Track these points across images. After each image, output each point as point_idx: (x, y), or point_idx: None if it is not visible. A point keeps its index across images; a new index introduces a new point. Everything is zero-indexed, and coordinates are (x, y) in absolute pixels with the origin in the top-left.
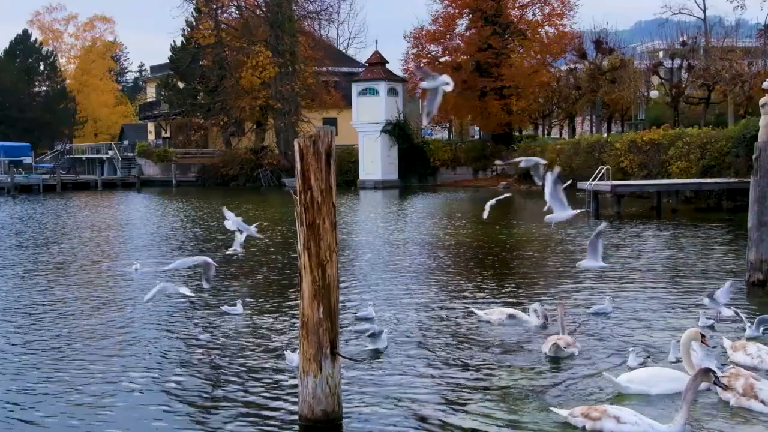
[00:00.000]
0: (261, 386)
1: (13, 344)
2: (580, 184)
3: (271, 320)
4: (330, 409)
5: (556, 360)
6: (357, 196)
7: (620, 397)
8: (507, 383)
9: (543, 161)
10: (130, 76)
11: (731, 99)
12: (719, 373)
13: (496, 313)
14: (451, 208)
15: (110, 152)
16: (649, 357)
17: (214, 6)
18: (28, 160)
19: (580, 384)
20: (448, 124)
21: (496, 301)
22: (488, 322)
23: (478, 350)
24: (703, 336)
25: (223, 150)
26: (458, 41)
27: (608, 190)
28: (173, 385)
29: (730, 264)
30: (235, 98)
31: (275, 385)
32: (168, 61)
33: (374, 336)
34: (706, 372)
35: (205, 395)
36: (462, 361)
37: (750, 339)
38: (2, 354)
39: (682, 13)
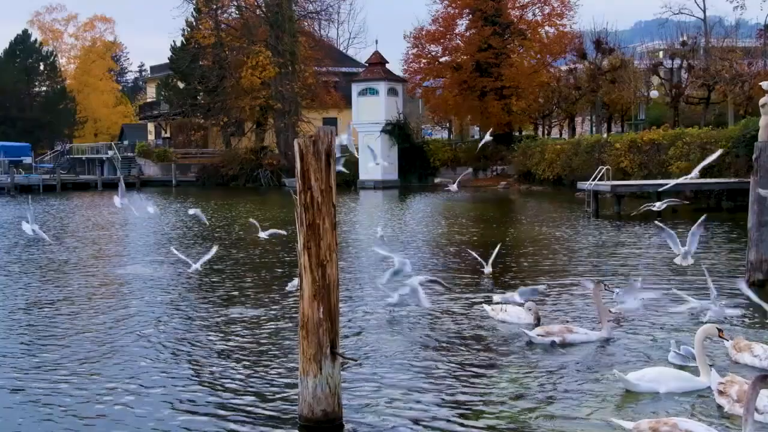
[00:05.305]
0: (261, 386)
1: (15, 342)
2: (580, 184)
3: (271, 320)
4: (330, 409)
5: (560, 357)
6: (357, 196)
7: (630, 395)
8: (508, 382)
9: None
10: (130, 76)
11: (731, 99)
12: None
13: (500, 310)
14: (452, 208)
15: (110, 152)
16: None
17: (214, 6)
18: (28, 160)
19: (588, 382)
20: (448, 124)
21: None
22: (504, 320)
23: (481, 349)
24: (720, 330)
25: (223, 150)
26: (458, 41)
27: (608, 190)
28: (172, 384)
29: (730, 264)
30: (235, 98)
31: (275, 385)
32: (168, 61)
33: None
34: (764, 378)
35: (204, 395)
36: (464, 361)
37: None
38: (3, 352)
39: (682, 13)
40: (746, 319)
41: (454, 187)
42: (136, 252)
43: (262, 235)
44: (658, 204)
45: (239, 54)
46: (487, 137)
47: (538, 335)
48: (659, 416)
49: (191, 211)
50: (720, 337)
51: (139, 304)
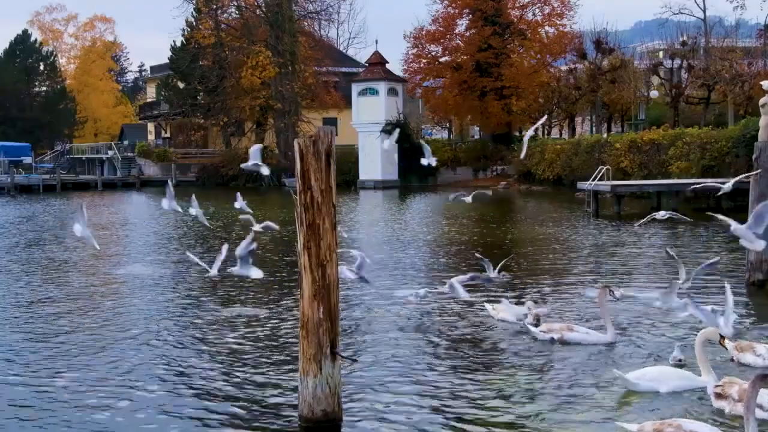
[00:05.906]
0: (261, 386)
1: (13, 341)
2: (580, 184)
3: (271, 320)
4: (330, 409)
5: (560, 357)
6: (357, 196)
7: (630, 394)
8: (508, 382)
9: None
10: (130, 76)
11: (731, 99)
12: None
13: (502, 309)
14: (452, 208)
15: (110, 152)
16: None
17: (214, 6)
18: (28, 160)
19: (588, 382)
20: (448, 124)
21: (498, 299)
22: (503, 319)
23: (481, 349)
24: (722, 337)
25: (223, 150)
26: (458, 41)
27: (608, 190)
28: (173, 384)
29: (730, 264)
30: (235, 98)
31: (275, 385)
32: (168, 61)
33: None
34: (764, 378)
35: (204, 395)
36: (464, 361)
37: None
38: (3, 352)
39: (682, 13)
40: (747, 319)
41: (468, 198)
42: (136, 252)
43: (257, 227)
44: (661, 213)
45: (239, 54)
46: (530, 132)
47: (541, 331)
48: (661, 416)
49: (192, 211)
50: (720, 344)
51: (138, 304)
